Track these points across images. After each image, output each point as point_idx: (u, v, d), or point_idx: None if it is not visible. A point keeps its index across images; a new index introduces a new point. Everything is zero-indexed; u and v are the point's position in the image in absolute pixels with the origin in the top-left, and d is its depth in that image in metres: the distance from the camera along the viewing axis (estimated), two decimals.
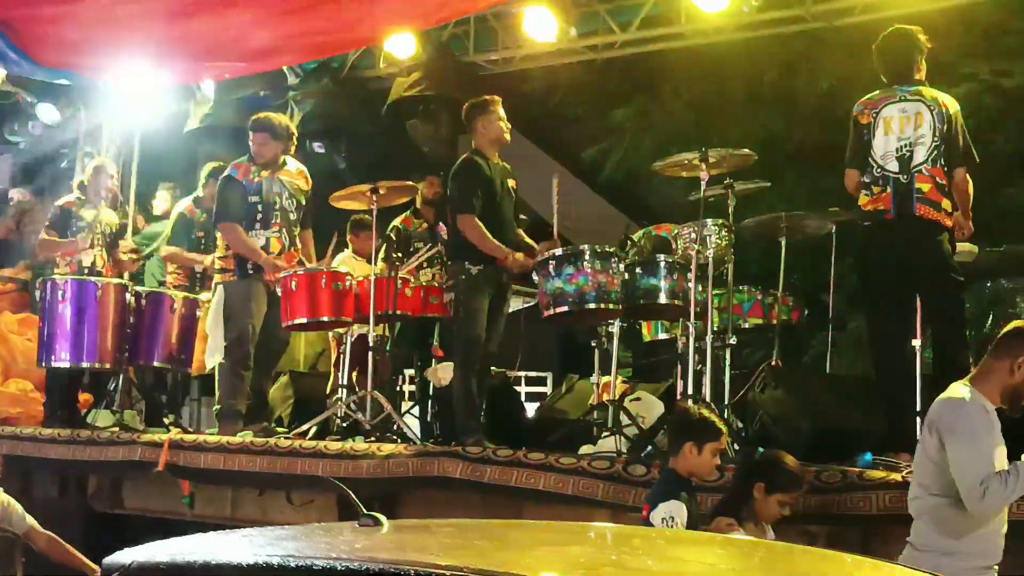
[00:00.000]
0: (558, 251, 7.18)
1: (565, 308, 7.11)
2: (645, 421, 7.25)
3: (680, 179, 7.71)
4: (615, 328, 7.45)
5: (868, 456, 5.98)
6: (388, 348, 8.36)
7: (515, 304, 8.17)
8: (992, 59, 10.89)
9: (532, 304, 8.06)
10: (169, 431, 8.48)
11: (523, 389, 11.03)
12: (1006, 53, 11.16)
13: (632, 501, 6.14)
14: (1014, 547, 4.57)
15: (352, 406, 7.87)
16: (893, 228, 6.24)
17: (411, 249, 8.91)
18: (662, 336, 8.40)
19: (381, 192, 8.01)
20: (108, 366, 9.06)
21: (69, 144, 12.47)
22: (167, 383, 10.05)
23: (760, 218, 8.27)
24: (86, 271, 9.30)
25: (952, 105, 6.35)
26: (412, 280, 8.08)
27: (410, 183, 8.46)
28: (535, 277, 7.31)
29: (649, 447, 6.77)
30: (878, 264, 6.36)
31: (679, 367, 7.43)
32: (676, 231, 7.68)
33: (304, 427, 8.09)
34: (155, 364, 9.24)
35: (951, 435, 4.35)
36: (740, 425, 7.04)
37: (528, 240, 7.71)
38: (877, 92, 6.45)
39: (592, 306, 7.08)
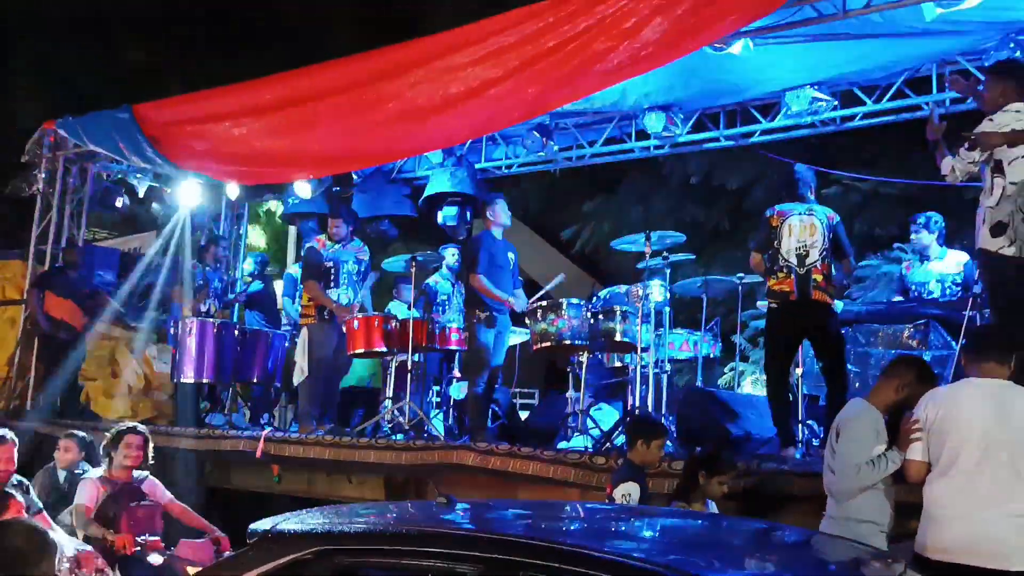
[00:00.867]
0: (544, 303, 7.20)
1: (549, 343, 7.12)
2: (605, 425, 7.21)
3: (631, 252, 7.72)
4: (584, 357, 7.43)
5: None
6: (422, 370, 8.32)
7: (513, 340, 8.15)
8: (853, 169, 10.93)
9: (525, 339, 8.04)
10: (265, 429, 8.42)
11: (517, 401, 10.96)
12: (863, 164, 11.21)
13: (596, 482, 6.09)
14: None
15: (395, 412, 7.83)
16: (795, 307, 6.23)
17: (437, 300, 8.91)
18: (618, 364, 8.36)
19: (418, 259, 8.02)
20: (221, 381, 9.06)
21: (198, 222, 12.46)
22: (263, 394, 10.00)
23: (688, 280, 8.26)
24: (202, 315, 9.34)
25: (836, 217, 6.43)
26: (439, 322, 8.07)
27: (438, 252, 8.46)
28: (527, 321, 7.32)
29: (607, 444, 6.73)
30: (781, 331, 6.34)
31: (629, 386, 7.40)
32: (627, 288, 7.68)
33: (360, 427, 8.05)
34: (254, 380, 9.21)
35: (844, 432, 4.38)
36: (674, 428, 6.99)
37: (523, 296, 7.70)
38: (785, 205, 6.46)
39: (568, 342, 7.09)
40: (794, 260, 6.25)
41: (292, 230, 14.65)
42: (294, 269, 9.99)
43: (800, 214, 6.35)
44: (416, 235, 13.30)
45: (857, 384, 6.82)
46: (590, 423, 7.12)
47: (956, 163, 5.45)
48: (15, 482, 5.66)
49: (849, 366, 6.72)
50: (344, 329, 7.99)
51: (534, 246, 16.00)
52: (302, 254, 9.37)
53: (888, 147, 11.29)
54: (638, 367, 7.09)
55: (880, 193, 11.43)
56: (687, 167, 12.95)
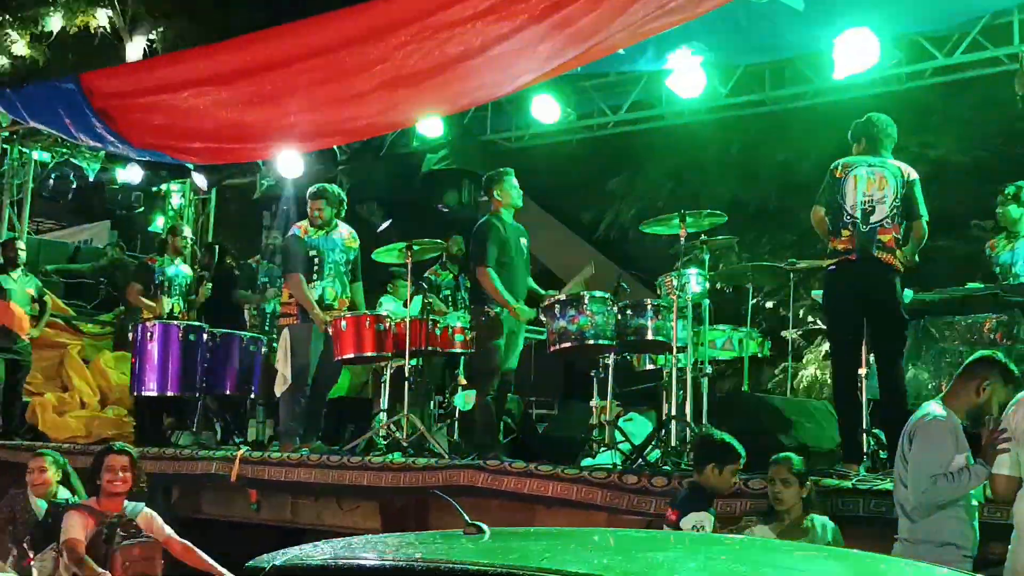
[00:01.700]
0: (562, 297, 7.17)
1: (568, 344, 7.08)
2: (636, 438, 7.19)
3: (662, 236, 7.69)
4: (610, 360, 7.40)
5: None
6: (421, 378, 8.31)
7: (527, 340, 8.12)
8: (920, 135, 10.87)
9: (540, 340, 8.02)
10: (239, 448, 8.43)
11: (533, 411, 10.95)
12: (932, 130, 11.15)
13: (625, 505, 6.08)
14: None
15: (392, 427, 7.82)
16: (855, 266, 6.20)
17: (439, 296, 8.90)
18: (649, 367, 8.34)
19: (415, 248, 8.00)
20: (188, 394, 9.08)
21: (157, 211, 12.52)
22: (237, 408, 10.00)
23: (730, 268, 8.23)
24: (164, 317, 9.33)
25: (913, 173, 6.35)
26: (440, 321, 8.05)
27: (438, 240, 8.44)
28: (543, 318, 7.29)
29: (639, 460, 6.71)
30: (841, 299, 6.32)
31: (664, 393, 7.37)
32: (661, 279, 7.66)
33: (351, 444, 8.05)
34: (227, 392, 9.22)
35: (918, 440, 4.38)
36: None
37: (537, 288, 7.67)
38: (851, 157, 6.43)
39: (591, 342, 7.05)
40: (858, 215, 6.22)
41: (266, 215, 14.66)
42: (255, 262, 9.97)
43: (869, 166, 6.32)
44: (412, 220, 13.28)
45: (931, 386, 6.78)
46: (619, 436, 7.09)
47: None
48: None
49: (920, 365, 6.67)
50: (331, 331, 7.97)
51: (549, 230, 15.95)
52: (278, 243, 9.37)
53: (961, 109, 11.22)
54: (674, 370, 7.05)
55: (952, 162, 11.36)
56: (727, 136, 12.88)
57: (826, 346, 8.87)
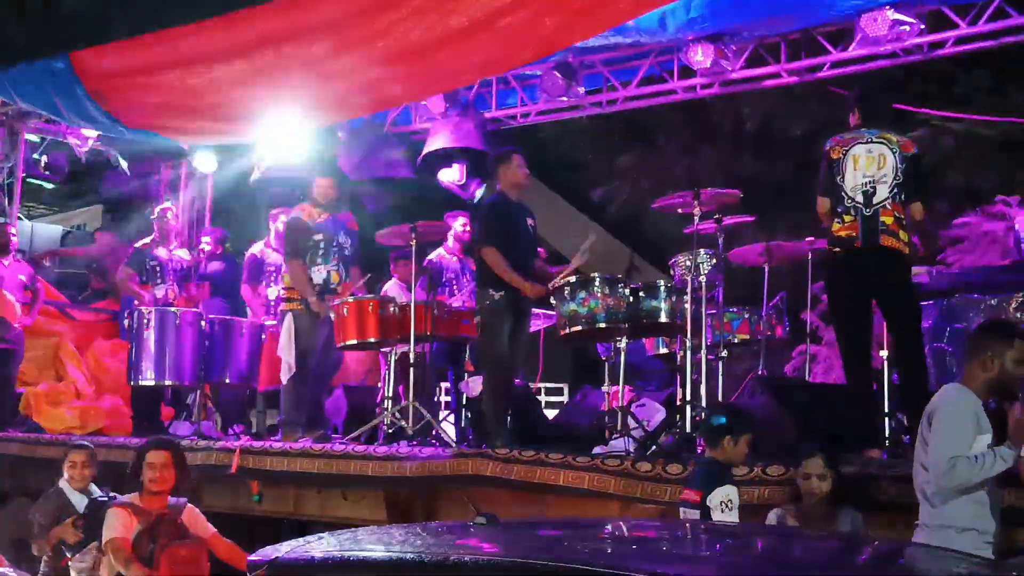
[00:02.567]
0: (572, 278, 7.15)
1: (579, 327, 7.07)
2: (649, 424, 7.20)
3: (675, 215, 7.67)
4: (622, 344, 7.40)
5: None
6: (427, 364, 8.33)
7: (535, 324, 8.12)
8: (944, 106, 10.84)
9: (550, 324, 8.02)
10: (240, 439, 8.45)
11: (543, 398, 10.97)
12: (955, 101, 11.11)
13: (639, 493, 6.08)
14: None
15: (397, 415, 7.83)
16: (860, 255, 6.16)
17: (443, 279, 8.91)
18: (663, 351, 8.34)
19: (419, 230, 8.00)
20: (186, 383, 9.10)
21: (152, 194, 12.52)
22: (237, 397, 10.03)
23: (745, 247, 8.22)
24: (158, 303, 9.36)
25: (912, 147, 6.29)
26: (446, 305, 8.07)
27: (442, 222, 8.45)
28: (552, 301, 7.28)
29: (653, 447, 6.72)
30: (846, 285, 6.29)
31: (678, 377, 7.38)
32: (674, 259, 7.66)
33: (356, 433, 8.07)
34: (227, 381, 9.24)
35: (936, 420, 4.38)
36: None
37: (547, 269, 7.67)
38: (847, 133, 6.38)
39: (602, 325, 7.05)
40: (860, 198, 6.18)
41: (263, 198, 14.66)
42: (260, 249, 9.96)
43: (867, 142, 6.27)
44: (415, 200, 13.28)
45: (955, 369, 6.78)
46: (632, 422, 7.10)
47: None
48: None
49: (944, 346, 6.67)
50: (333, 316, 7.99)
51: (557, 210, 15.94)
52: (278, 227, 9.37)
53: (986, 79, 11.18)
54: (688, 353, 7.06)
55: (977, 135, 11.32)
56: (741, 110, 12.87)
57: None
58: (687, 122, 13.45)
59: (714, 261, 7.31)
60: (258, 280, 9.79)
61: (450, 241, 9.26)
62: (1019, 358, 4.39)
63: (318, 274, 8.18)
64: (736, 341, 8.06)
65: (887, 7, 8.31)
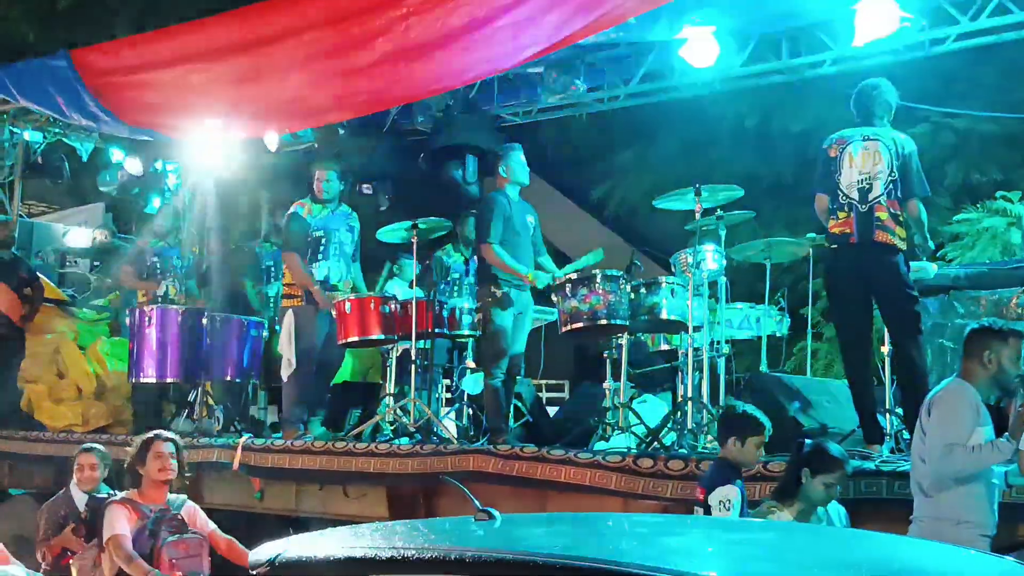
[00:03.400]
0: (574, 275, 7.18)
1: (580, 324, 7.10)
2: (651, 421, 7.21)
3: (677, 212, 7.68)
4: (623, 340, 7.41)
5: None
6: (428, 361, 8.34)
7: (537, 321, 8.13)
8: (944, 103, 10.83)
9: (551, 321, 8.03)
10: (242, 435, 8.48)
11: (544, 395, 10.98)
12: (956, 98, 11.10)
13: (641, 490, 6.11)
14: None
15: (398, 411, 7.85)
16: (856, 250, 6.21)
17: (448, 278, 8.91)
18: (664, 347, 8.35)
19: (420, 227, 8.02)
20: (188, 380, 9.11)
21: (153, 192, 12.52)
22: (238, 394, 10.03)
23: (747, 243, 8.23)
24: (159, 300, 9.37)
25: (909, 144, 6.30)
26: (448, 302, 8.08)
27: (444, 218, 8.44)
28: (554, 298, 7.30)
29: (655, 443, 6.73)
30: (842, 281, 6.33)
31: (680, 373, 7.39)
32: (676, 256, 7.67)
33: (357, 430, 8.08)
34: (228, 378, 9.24)
35: (936, 409, 4.42)
36: None
37: (554, 269, 7.67)
38: (845, 130, 6.42)
39: (603, 322, 7.07)
40: (856, 195, 6.21)
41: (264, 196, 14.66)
42: (259, 246, 9.99)
43: (863, 139, 6.30)
44: (417, 198, 13.28)
45: (956, 365, 6.78)
46: (633, 419, 7.11)
47: None
48: None
49: (946, 341, 6.69)
50: (334, 313, 8.00)
51: (558, 207, 15.95)
52: (279, 222, 9.37)
53: (987, 75, 11.17)
54: (689, 350, 7.08)
55: (978, 132, 11.32)
56: (742, 107, 12.84)
57: None
58: (688, 119, 13.43)
59: (715, 258, 7.33)
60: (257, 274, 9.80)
61: (460, 240, 9.23)
62: (1015, 356, 4.45)
63: (319, 271, 8.19)
64: (738, 338, 8.07)
65: (888, 3, 8.31)
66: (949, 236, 10.54)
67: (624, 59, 9.96)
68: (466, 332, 8.08)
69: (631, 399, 7.48)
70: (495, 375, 7.39)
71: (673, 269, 7.75)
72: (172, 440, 5.99)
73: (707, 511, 4.94)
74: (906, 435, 6.27)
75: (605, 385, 7.85)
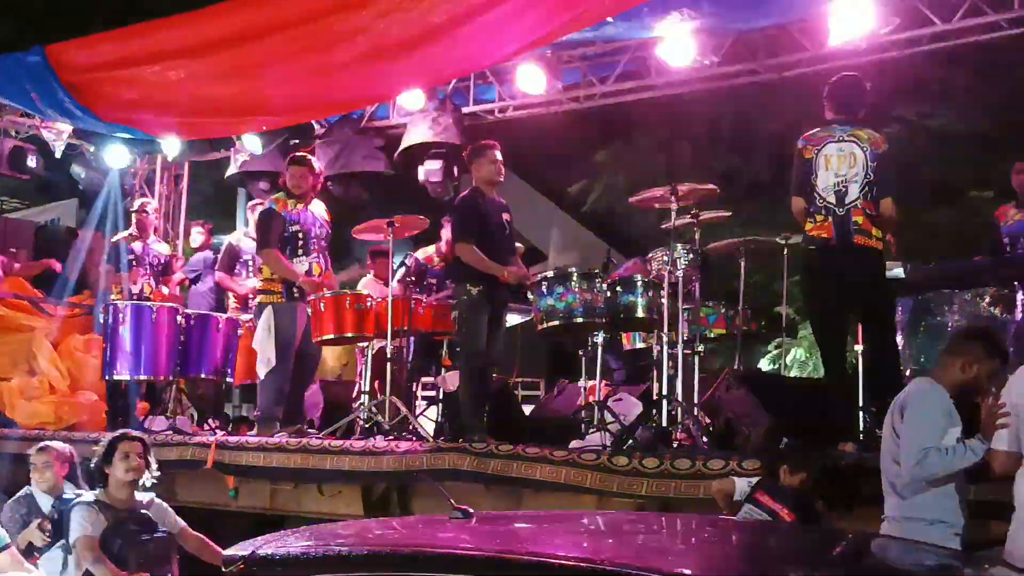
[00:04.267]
0: (550, 273, 7.18)
1: (556, 322, 7.11)
2: (626, 419, 7.22)
3: (652, 210, 7.70)
4: (599, 338, 7.42)
5: None
6: (404, 359, 8.33)
7: (512, 319, 8.14)
8: (918, 104, 10.91)
9: (527, 319, 8.04)
10: (216, 433, 8.44)
11: (520, 392, 10.97)
12: (929, 99, 11.19)
13: (616, 488, 6.12)
14: None
15: (373, 410, 7.83)
16: (835, 253, 6.22)
17: (424, 282, 8.90)
18: (640, 345, 8.36)
19: (396, 225, 8.00)
20: (162, 378, 9.08)
21: (128, 188, 12.46)
22: (213, 392, 10.00)
23: (722, 242, 8.25)
24: (135, 297, 9.33)
25: (883, 144, 6.33)
26: (423, 300, 8.07)
27: (421, 217, 8.42)
28: (530, 296, 7.30)
29: (630, 441, 6.74)
30: (822, 282, 6.35)
31: (655, 372, 7.41)
32: (651, 254, 7.68)
33: (332, 428, 8.07)
34: (202, 376, 9.21)
35: (908, 412, 4.45)
36: (708, 421, 7.02)
37: (522, 268, 7.67)
38: (819, 130, 6.42)
39: (580, 320, 7.08)
40: (832, 199, 6.23)
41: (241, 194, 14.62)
42: (237, 240, 9.95)
43: (838, 140, 6.30)
44: (392, 195, 13.26)
45: (924, 360, 6.84)
46: (608, 417, 7.13)
47: None
48: None
49: (918, 339, 6.74)
50: (310, 311, 7.98)
51: (535, 205, 15.96)
52: (255, 218, 9.34)
53: (962, 76, 11.26)
54: (664, 348, 7.10)
55: (952, 132, 11.41)
56: (718, 106, 12.89)
57: None
58: (664, 118, 13.48)
59: (691, 256, 7.34)
60: (233, 269, 9.78)
61: (442, 244, 9.20)
62: (992, 374, 4.47)
63: (300, 266, 8.14)
64: (712, 336, 8.10)
65: (863, 4, 8.36)
66: (923, 234, 10.61)
67: (601, 57, 9.98)
68: (443, 330, 8.08)
69: (606, 397, 7.49)
70: (471, 373, 7.39)
71: (648, 267, 7.76)
72: (140, 439, 5.95)
73: None
74: (879, 432, 6.31)
75: (580, 383, 7.87)
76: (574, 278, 7.07)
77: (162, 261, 10.06)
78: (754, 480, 5.23)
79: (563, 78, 10.09)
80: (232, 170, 11.78)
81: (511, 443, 6.84)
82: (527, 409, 9.14)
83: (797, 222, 6.58)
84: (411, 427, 7.63)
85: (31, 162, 11.52)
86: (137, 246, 9.80)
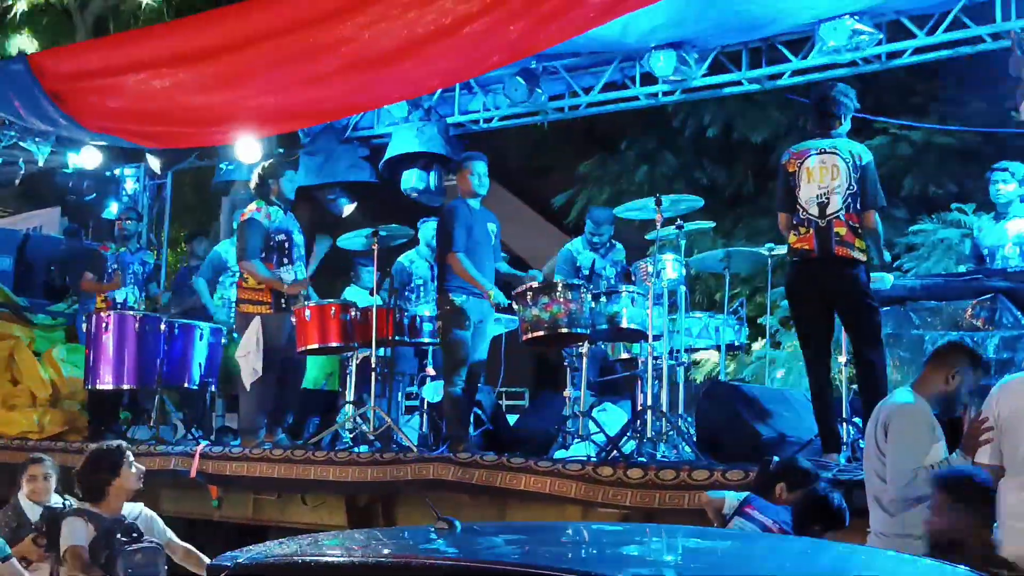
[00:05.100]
0: (535, 283, 7.19)
1: (541, 332, 7.11)
2: (610, 429, 7.23)
3: (637, 221, 7.72)
4: (584, 349, 7.43)
5: None
6: (388, 368, 8.32)
7: (496, 329, 8.14)
8: (901, 116, 10.96)
9: (512, 329, 8.04)
10: (199, 443, 8.41)
11: (504, 402, 10.97)
12: (912, 111, 11.23)
13: (600, 498, 6.13)
14: None
15: (358, 419, 7.82)
16: (817, 264, 6.26)
17: (411, 284, 8.88)
18: (624, 356, 8.38)
19: (382, 234, 7.99)
20: (145, 387, 9.03)
21: (112, 196, 12.42)
22: (196, 401, 9.95)
23: (706, 253, 8.28)
24: (119, 307, 9.29)
25: (866, 155, 6.35)
26: (408, 309, 8.06)
27: (406, 226, 8.42)
28: (515, 306, 7.31)
29: (614, 452, 6.75)
30: (804, 294, 6.38)
31: (639, 382, 7.42)
32: (636, 265, 7.70)
33: (316, 438, 8.05)
34: (186, 385, 9.17)
35: (892, 431, 4.44)
36: (693, 431, 7.03)
37: (515, 271, 7.68)
38: (803, 144, 6.46)
39: (564, 330, 7.09)
40: (815, 211, 6.26)
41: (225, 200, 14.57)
42: (226, 248, 9.91)
43: (820, 152, 6.34)
44: (377, 205, 13.25)
45: (912, 376, 6.85)
46: (593, 427, 7.13)
47: None
48: None
49: (901, 352, 6.76)
50: (294, 320, 7.95)
51: (519, 216, 15.97)
52: (235, 226, 9.30)
53: (944, 89, 11.32)
54: (649, 359, 7.11)
55: (934, 144, 11.46)
56: (703, 117, 12.93)
57: None
58: (649, 128, 13.50)
59: (675, 267, 7.37)
60: (217, 279, 9.73)
61: (422, 245, 9.19)
62: (975, 384, 4.50)
63: (287, 274, 8.09)
64: (697, 347, 8.11)
65: (846, 17, 8.41)
66: (905, 247, 10.65)
67: (586, 68, 9.99)
68: (427, 340, 8.08)
69: (591, 408, 7.50)
70: (455, 383, 7.38)
71: (633, 278, 7.78)
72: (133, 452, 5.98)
73: None
74: (863, 444, 6.33)
75: (565, 393, 7.88)
76: (559, 288, 7.09)
77: (146, 270, 10.02)
78: (742, 495, 5.23)
79: (548, 88, 10.09)
80: (216, 178, 11.78)
81: (495, 453, 6.85)
82: (511, 419, 9.14)
83: (780, 233, 6.62)
84: (395, 437, 7.62)
85: (14, 172, 11.46)
86: (124, 256, 9.76)
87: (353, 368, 8.39)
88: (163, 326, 8.94)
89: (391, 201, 11.42)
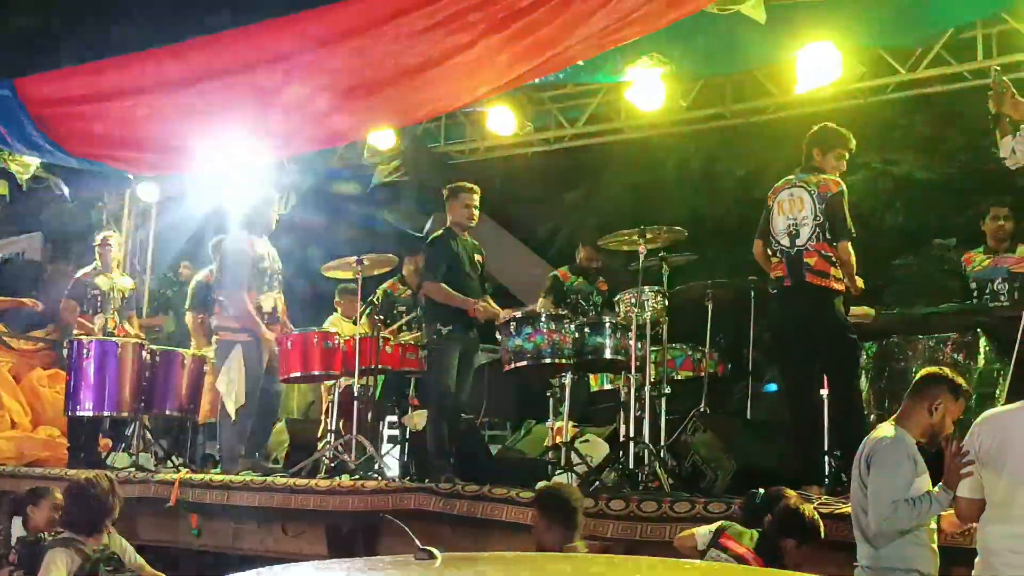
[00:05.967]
0: (518, 313, 7.20)
1: (524, 363, 7.13)
2: (593, 460, 7.22)
3: (621, 252, 7.74)
4: (567, 379, 7.42)
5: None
6: (371, 398, 8.29)
7: (480, 359, 8.13)
8: (883, 151, 11.05)
9: (495, 359, 8.04)
10: (179, 471, 8.36)
11: (486, 433, 10.93)
12: (894, 145, 11.33)
13: (584, 530, 6.09)
14: None
15: (339, 448, 7.79)
16: (791, 293, 6.36)
17: (394, 312, 8.87)
18: (607, 387, 8.37)
19: (365, 263, 7.99)
20: (125, 414, 8.99)
21: (95, 222, 12.40)
22: (177, 429, 9.90)
23: (689, 285, 8.29)
24: (99, 332, 9.25)
25: (835, 187, 6.41)
26: (392, 339, 8.05)
27: (390, 255, 8.42)
28: (498, 336, 7.32)
29: (597, 482, 6.74)
30: (783, 325, 6.48)
31: (622, 413, 7.42)
32: (619, 296, 7.71)
33: (297, 467, 8.01)
34: (167, 412, 9.13)
35: (876, 465, 4.46)
36: (674, 463, 7.02)
37: (494, 306, 7.67)
38: (785, 178, 6.58)
39: (547, 361, 7.11)
40: (786, 241, 6.41)
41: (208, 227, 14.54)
42: (206, 275, 9.89)
43: (791, 186, 6.49)
44: (362, 233, 13.27)
45: (891, 409, 6.87)
46: (575, 458, 7.12)
47: (1018, 144, 5.49)
48: None
49: (884, 385, 6.78)
50: (276, 349, 7.94)
51: (504, 246, 15.95)
52: (216, 252, 9.28)
53: (925, 124, 11.42)
54: (632, 390, 7.11)
55: (916, 179, 11.55)
56: (687, 150, 13.01)
57: None
58: (633, 160, 13.57)
59: (658, 298, 7.39)
60: (205, 308, 9.69)
61: (406, 273, 9.18)
62: (957, 417, 4.53)
63: (267, 302, 8.09)
64: (679, 378, 8.11)
65: (830, 52, 8.47)
66: (887, 281, 10.71)
67: (571, 100, 10.05)
68: (410, 369, 8.06)
69: (573, 438, 7.49)
70: (438, 413, 7.37)
71: (616, 309, 7.79)
72: (111, 480, 5.97)
73: None
74: (843, 476, 6.33)
75: (548, 424, 7.87)
76: (542, 319, 7.11)
77: (126, 296, 9.98)
78: (714, 526, 5.21)
79: (533, 120, 10.15)
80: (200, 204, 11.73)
81: (477, 484, 6.82)
82: (494, 449, 9.12)
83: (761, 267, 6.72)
84: (377, 466, 7.59)
85: None
86: (102, 281, 9.73)
87: (335, 397, 8.36)
88: (144, 353, 8.91)
89: (375, 228, 11.45)
